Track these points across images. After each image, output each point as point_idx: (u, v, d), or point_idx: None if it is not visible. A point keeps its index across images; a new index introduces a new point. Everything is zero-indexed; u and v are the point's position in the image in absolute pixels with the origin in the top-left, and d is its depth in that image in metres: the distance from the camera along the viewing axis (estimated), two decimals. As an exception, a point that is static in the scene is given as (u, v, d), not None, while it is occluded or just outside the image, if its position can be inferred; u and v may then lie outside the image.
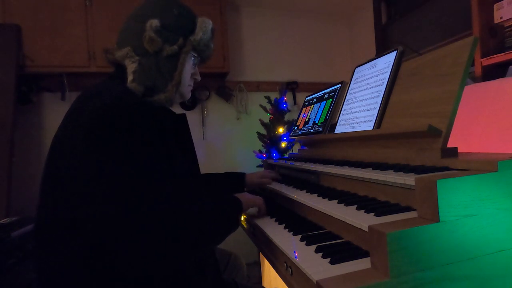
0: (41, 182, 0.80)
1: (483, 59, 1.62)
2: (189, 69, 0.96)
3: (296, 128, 1.73)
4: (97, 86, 0.83)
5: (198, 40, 0.93)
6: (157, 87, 0.88)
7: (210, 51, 1.00)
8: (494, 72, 1.57)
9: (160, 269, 0.74)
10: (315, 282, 0.59)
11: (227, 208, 0.89)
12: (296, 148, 2.32)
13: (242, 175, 1.35)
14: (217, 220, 0.85)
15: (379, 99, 1.06)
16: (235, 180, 1.33)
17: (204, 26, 0.94)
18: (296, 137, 1.66)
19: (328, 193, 0.93)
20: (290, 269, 0.74)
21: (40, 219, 0.79)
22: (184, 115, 0.97)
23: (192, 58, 0.96)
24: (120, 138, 0.72)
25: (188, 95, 1.01)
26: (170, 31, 0.89)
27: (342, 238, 0.80)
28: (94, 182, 0.69)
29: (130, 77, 0.86)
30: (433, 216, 0.59)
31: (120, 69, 0.91)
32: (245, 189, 1.37)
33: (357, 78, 1.27)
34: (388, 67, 1.09)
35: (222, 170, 1.42)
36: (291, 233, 0.88)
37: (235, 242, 0.96)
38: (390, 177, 0.76)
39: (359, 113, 1.16)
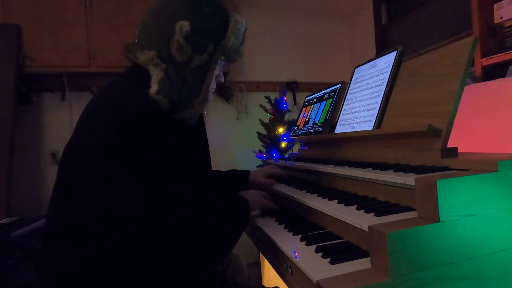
0: (55, 184, 0.78)
1: (483, 59, 1.62)
2: (215, 75, 0.89)
3: (296, 128, 1.73)
4: (118, 90, 0.77)
5: (229, 46, 0.85)
6: (182, 101, 0.82)
7: (239, 55, 0.91)
8: (494, 72, 1.57)
9: (170, 275, 0.72)
10: (315, 282, 0.59)
11: (238, 211, 0.87)
12: (296, 148, 2.32)
13: (246, 173, 1.31)
14: (230, 225, 0.82)
15: (379, 99, 1.06)
16: (239, 179, 1.30)
17: (237, 28, 0.86)
18: (296, 137, 1.66)
19: (328, 193, 0.93)
20: (290, 269, 0.74)
21: (52, 221, 0.78)
22: (201, 117, 0.94)
23: (221, 64, 0.89)
24: (140, 149, 0.70)
25: (211, 98, 0.93)
26: (201, 36, 0.81)
27: (342, 238, 0.80)
28: (110, 188, 0.68)
29: (154, 87, 0.79)
30: (433, 216, 0.59)
31: (141, 71, 0.82)
32: (248, 188, 1.34)
33: (357, 78, 1.27)
34: (388, 67, 1.09)
35: (222, 170, 1.42)
36: (291, 233, 0.88)
37: (235, 242, 0.96)
38: (390, 177, 0.76)
39: (359, 113, 1.16)
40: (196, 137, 0.93)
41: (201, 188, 0.87)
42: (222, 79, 0.95)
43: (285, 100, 2.67)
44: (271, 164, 1.66)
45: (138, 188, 0.68)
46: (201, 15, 0.81)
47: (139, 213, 0.67)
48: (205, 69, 0.83)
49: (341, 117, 1.29)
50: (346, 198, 0.85)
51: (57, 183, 0.79)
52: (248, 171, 1.32)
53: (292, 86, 3.18)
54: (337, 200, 0.86)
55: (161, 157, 0.72)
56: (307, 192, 1.03)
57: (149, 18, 0.84)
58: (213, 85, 0.91)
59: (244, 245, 1.72)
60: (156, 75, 0.79)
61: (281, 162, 1.56)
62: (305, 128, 1.59)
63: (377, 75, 1.14)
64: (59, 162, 0.80)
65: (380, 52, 2.46)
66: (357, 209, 0.76)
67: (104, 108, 0.73)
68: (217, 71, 0.89)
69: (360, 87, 1.22)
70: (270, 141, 2.64)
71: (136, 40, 0.85)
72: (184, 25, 0.78)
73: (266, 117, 2.70)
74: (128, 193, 0.67)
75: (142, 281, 0.71)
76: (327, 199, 0.90)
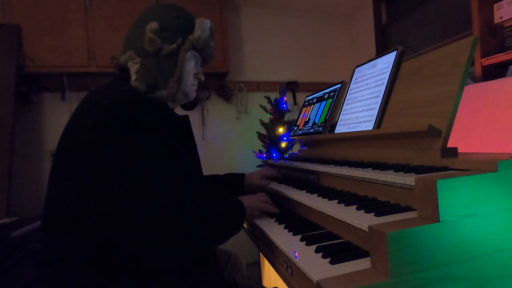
0: (49, 178, 0.81)
1: (483, 59, 1.62)
2: (191, 69, 0.98)
3: (296, 128, 1.73)
4: (103, 86, 0.86)
5: (197, 38, 0.96)
6: (158, 84, 0.92)
7: (211, 50, 1.02)
8: (494, 72, 1.57)
9: (162, 265, 0.75)
10: (315, 282, 0.59)
11: (232, 211, 0.91)
12: (296, 148, 2.32)
13: (241, 176, 1.35)
14: (223, 222, 0.86)
15: (379, 99, 1.06)
16: (235, 181, 1.34)
17: (202, 25, 0.98)
18: (296, 137, 1.66)
19: (328, 193, 0.93)
20: (290, 269, 0.74)
21: (48, 214, 0.80)
22: (187, 117, 0.99)
23: (194, 58, 0.98)
24: (128, 134, 0.74)
25: (193, 95, 1.03)
26: (169, 31, 0.93)
27: (342, 238, 0.80)
28: (104, 177, 0.70)
29: (133, 77, 0.91)
30: (433, 216, 0.59)
31: (124, 71, 0.95)
32: (245, 189, 1.37)
33: (357, 78, 1.27)
34: (388, 67, 1.09)
35: (222, 170, 1.43)
36: (291, 233, 0.88)
37: (235, 242, 0.96)
38: (390, 177, 0.76)
39: (359, 113, 1.16)
40: (183, 137, 0.95)
41: (190, 176, 0.91)
42: (202, 77, 1.04)
43: (285, 100, 2.67)
44: (270, 164, 1.66)
45: (129, 165, 0.71)
46: (168, 17, 0.94)
47: (130, 190, 0.70)
48: (175, 56, 0.94)
49: (341, 117, 1.29)
50: (346, 198, 0.85)
51: (52, 174, 0.81)
52: (244, 174, 1.37)
53: (292, 86, 3.18)
54: (337, 200, 0.86)
55: (149, 137, 0.76)
56: (307, 192, 1.03)
57: (128, 32, 0.98)
58: (192, 81, 1.01)
59: (244, 245, 1.72)
60: (133, 68, 0.92)
61: (281, 162, 1.56)
62: (305, 128, 1.59)
63: (377, 75, 1.14)
64: (54, 153, 0.82)
65: (380, 52, 2.46)
66: (357, 209, 0.76)
67: (94, 98, 0.80)
68: (192, 65, 0.98)
69: (360, 87, 1.22)
70: (270, 141, 2.64)
71: (121, 51, 0.97)
72: (153, 25, 0.91)
73: (266, 117, 2.70)
74: (120, 170, 0.70)
75: (134, 266, 0.73)
76: (327, 199, 0.90)
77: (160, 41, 0.91)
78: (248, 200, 0.99)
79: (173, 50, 0.93)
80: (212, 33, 1.01)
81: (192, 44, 0.96)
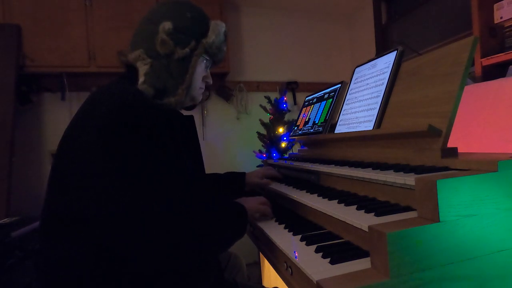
0: (49, 179, 0.80)
1: (483, 59, 1.62)
2: (200, 72, 0.95)
3: (296, 128, 1.73)
4: (109, 87, 0.84)
5: (210, 43, 0.92)
6: (167, 89, 0.89)
7: (222, 54, 0.99)
8: (494, 72, 1.58)
9: (163, 269, 0.74)
10: (315, 282, 0.59)
11: (233, 215, 0.89)
12: (296, 148, 2.32)
13: (242, 175, 1.35)
14: (224, 225, 0.85)
15: (379, 99, 1.06)
16: (236, 180, 1.33)
17: (217, 29, 0.94)
18: (296, 137, 1.66)
19: (328, 193, 0.93)
20: (290, 269, 0.74)
21: (48, 215, 0.80)
22: (192, 117, 0.97)
23: (204, 61, 0.95)
24: (132, 137, 0.73)
25: (199, 98, 1.00)
26: (183, 33, 0.89)
27: (342, 238, 0.80)
28: (105, 180, 0.70)
29: (141, 79, 0.87)
30: (433, 216, 0.59)
31: (132, 70, 0.91)
32: (245, 188, 1.37)
33: (357, 78, 1.27)
34: (388, 67, 1.09)
35: (222, 170, 1.42)
36: (291, 233, 0.88)
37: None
38: (390, 177, 0.76)
39: (359, 113, 1.16)
40: (187, 137, 0.94)
41: (192, 178, 0.90)
42: (210, 81, 1.01)
43: (285, 100, 2.67)
44: (270, 164, 1.66)
45: (130, 168, 0.71)
46: (183, 18, 0.90)
47: (130, 192, 0.69)
48: (188, 61, 0.90)
49: (341, 117, 1.29)
50: (346, 198, 0.85)
51: (52, 175, 0.80)
52: (244, 173, 1.36)
53: (292, 86, 3.18)
54: (337, 200, 0.86)
55: (152, 141, 0.75)
56: (307, 192, 1.03)
57: (139, 26, 0.94)
58: (200, 85, 0.97)
59: (244, 245, 1.71)
60: (142, 68, 0.88)
61: (281, 162, 1.56)
62: (305, 128, 1.59)
63: (377, 75, 1.14)
64: (55, 154, 0.81)
65: (380, 52, 2.46)
66: (357, 209, 0.76)
67: (98, 100, 0.79)
68: (202, 69, 0.95)
69: (360, 87, 1.22)
70: (270, 141, 2.64)
71: (129, 47, 0.93)
72: (166, 24, 0.87)
73: (266, 117, 2.70)
74: (120, 172, 0.70)
75: (132, 269, 0.73)
76: (327, 199, 0.90)
77: (173, 43, 0.87)
78: (248, 203, 0.98)
79: (186, 55, 0.89)
80: (226, 37, 0.98)
81: (205, 48, 0.92)
